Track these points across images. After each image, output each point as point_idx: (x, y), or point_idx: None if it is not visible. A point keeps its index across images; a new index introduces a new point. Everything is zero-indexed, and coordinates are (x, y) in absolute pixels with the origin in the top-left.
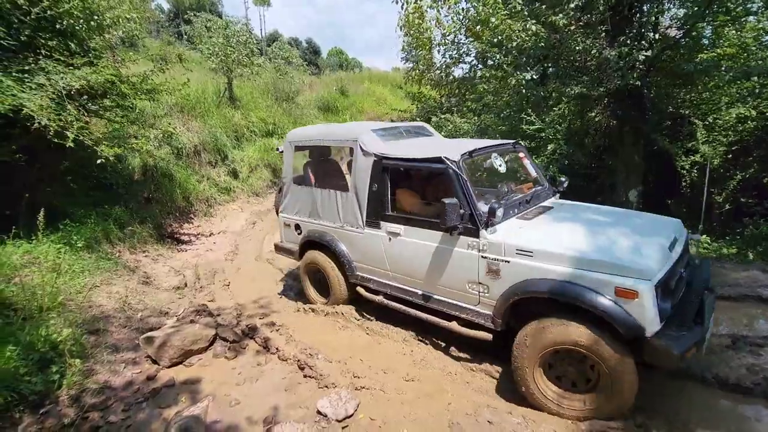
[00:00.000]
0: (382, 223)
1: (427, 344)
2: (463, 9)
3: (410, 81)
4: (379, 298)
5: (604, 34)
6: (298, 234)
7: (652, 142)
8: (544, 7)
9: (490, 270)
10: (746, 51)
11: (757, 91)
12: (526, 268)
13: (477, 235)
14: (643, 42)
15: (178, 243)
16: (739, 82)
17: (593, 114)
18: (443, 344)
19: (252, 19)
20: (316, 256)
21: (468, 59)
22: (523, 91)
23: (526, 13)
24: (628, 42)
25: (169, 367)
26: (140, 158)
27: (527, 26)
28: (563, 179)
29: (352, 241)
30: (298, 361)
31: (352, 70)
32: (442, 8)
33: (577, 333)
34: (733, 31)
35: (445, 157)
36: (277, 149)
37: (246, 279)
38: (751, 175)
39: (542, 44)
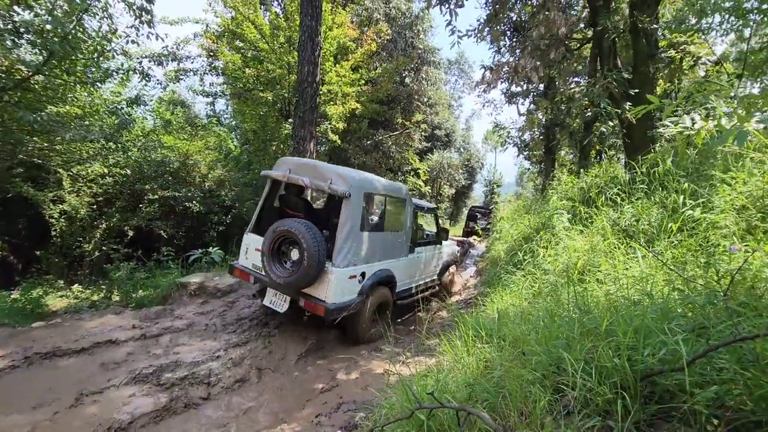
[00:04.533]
0: (416, 249)
1: None
2: None
3: None
4: (408, 301)
5: None
6: (359, 282)
7: (5, 190)
8: None
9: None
10: (98, 114)
11: (104, 152)
12: (448, 250)
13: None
14: None
15: None
16: (89, 141)
17: None
18: None
19: None
20: (382, 293)
21: None
22: None
23: None
24: None
25: None
26: None
27: None
28: None
29: (400, 267)
30: None
31: None
32: None
33: None
34: (86, 94)
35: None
36: (347, 193)
37: None
38: (115, 224)
39: None
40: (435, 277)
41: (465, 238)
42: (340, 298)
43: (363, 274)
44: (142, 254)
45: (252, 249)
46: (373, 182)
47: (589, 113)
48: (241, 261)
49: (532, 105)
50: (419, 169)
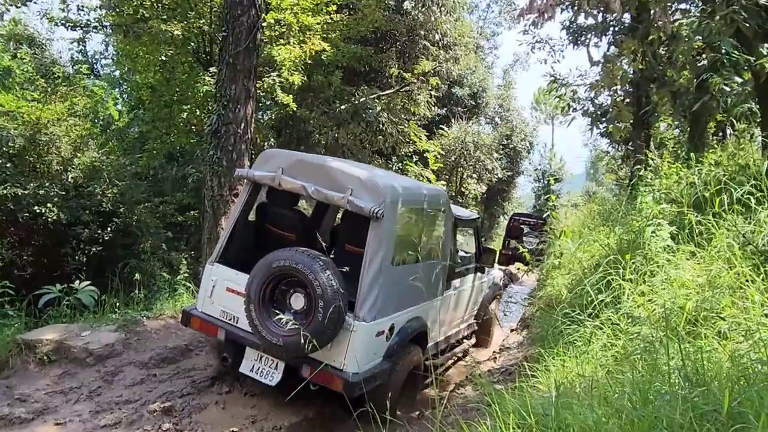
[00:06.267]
0: (452, 282)
1: None
2: None
3: None
4: (438, 361)
5: None
6: (387, 339)
7: None
8: None
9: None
10: None
11: None
12: (489, 279)
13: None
14: None
15: None
16: None
17: None
18: None
19: None
20: (414, 352)
21: None
22: None
23: None
24: None
25: None
26: None
27: None
28: None
29: (434, 311)
30: None
31: None
32: None
33: None
34: None
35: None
36: (378, 212)
37: None
38: None
39: None
40: (472, 321)
41: (504, 267)
42: (365, 365)
43: (392, 328)
44: None
45: (221, 288)
46: (411, 190)
47: (704, 62)
48: (202, 306)
49: (612, 48)
50: (427, 151)
